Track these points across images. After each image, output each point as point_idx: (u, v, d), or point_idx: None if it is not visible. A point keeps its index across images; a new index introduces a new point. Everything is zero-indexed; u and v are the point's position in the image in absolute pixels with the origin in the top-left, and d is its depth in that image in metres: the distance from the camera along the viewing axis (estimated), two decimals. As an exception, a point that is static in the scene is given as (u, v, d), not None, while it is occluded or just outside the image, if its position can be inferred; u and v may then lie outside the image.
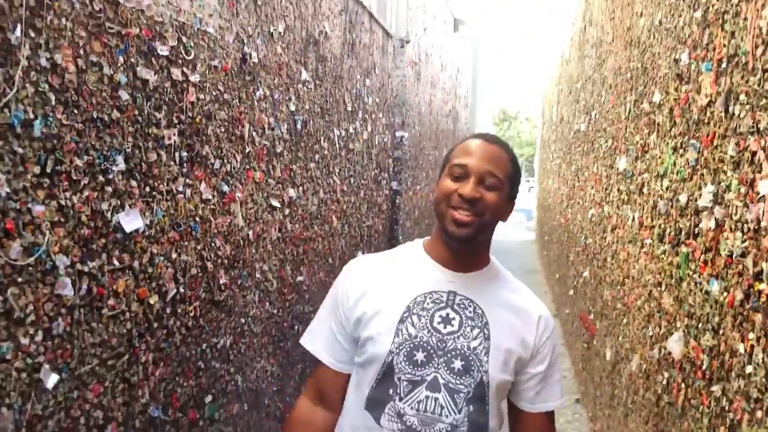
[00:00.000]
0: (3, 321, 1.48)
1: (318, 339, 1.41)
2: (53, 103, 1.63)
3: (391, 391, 1.27)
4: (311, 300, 3.71)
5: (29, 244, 1.55)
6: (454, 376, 1.27)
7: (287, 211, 3.30)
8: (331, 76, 4.09)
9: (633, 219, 2.79)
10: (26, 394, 1.57)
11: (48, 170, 1.61)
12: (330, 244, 4.13)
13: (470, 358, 1.28)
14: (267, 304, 3.04)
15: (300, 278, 3.54)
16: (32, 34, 1.55)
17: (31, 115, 1.56)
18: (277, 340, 3.23)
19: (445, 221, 1.29)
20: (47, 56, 1.60)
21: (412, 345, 1.27)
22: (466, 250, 1.34)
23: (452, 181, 1.29)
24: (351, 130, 4.60)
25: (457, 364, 1.27)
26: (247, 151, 2.79)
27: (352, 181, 4.64)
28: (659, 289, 2.28)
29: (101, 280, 1.81)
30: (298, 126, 3.44)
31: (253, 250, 2.88)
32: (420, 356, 1.27)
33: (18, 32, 1.50)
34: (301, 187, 3.51)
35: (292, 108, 3.35)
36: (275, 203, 3.11)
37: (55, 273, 1.64)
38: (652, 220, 2.42)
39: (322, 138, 3.87)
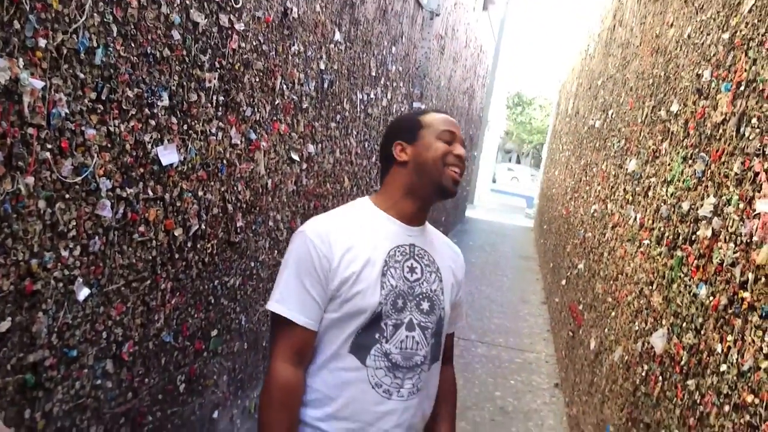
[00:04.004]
0: (48, 233, 1.61)
1: (291, 303, 1.46)
2: (114, 34, 1.73)
3: (377, 335, 1.46)
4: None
5: (79, 164, 1.67)
6: (424, 316, 1.51)
7: (305, 166, 3.41)
8: (362, 40, 4.16)
9: (634, 219, 2.91)
10: (60, 303, 1.70)
11: (103, 97, 1.72)
12: (339, 203, 4.24)
13: (433, 298, 1.54)
14: (276, 252, 3.17)
15: (307, 232, 3.66)
16: (104, -32, 1.64)
17: (95, 44, 1.66)
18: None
19: (442, 179, 1.52)
20: (115, -10, 1.69)
21: (395, 294, 1.48)
22: (428, 207, 1.61)
23: (444, 144, 1.53)
24: (372, 96, 4.68)
25: (425, 305, 1.52)
26: (276, 103, 2.89)
27: (366, 146, 4.74)
28: (650, 287, 2.41)
29: (135, 207, 1.94)
30: (325, 85, 3.52)
31: (270, 199, 3.00)
32: (399, 302, 1.48)
33: (93, -35, 1.59)
34: (320, 144, 3.61)
35: (322, 66, 3.43)
36: (295, 157, 3.22)
37: (98, 194, 1.76)
38: (653, 223, 2.53)
39: (345, 99, 3.96)
